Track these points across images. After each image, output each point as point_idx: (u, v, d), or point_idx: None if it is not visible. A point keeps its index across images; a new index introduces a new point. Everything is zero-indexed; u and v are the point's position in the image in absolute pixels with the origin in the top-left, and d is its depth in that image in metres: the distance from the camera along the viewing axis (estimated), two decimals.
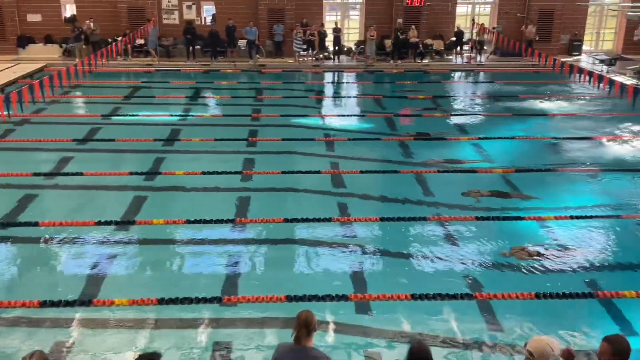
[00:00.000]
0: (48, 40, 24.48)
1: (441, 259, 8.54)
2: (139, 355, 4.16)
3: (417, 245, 8.92)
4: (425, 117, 16.68)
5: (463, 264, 8.40)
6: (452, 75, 23.61)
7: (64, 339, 6.58)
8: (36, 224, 9.27)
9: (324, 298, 7.31)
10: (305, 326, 4.51)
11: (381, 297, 7.39)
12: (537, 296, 7.44)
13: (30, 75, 20.64)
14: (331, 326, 6.86)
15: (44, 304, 7.10)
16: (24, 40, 24.29)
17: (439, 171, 12.05)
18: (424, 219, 9.76)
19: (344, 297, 7.37)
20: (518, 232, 9.47)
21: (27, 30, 24.50)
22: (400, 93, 19.89)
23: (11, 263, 8.35)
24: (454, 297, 7.43)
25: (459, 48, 24.88)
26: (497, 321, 7.03)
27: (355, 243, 8.95)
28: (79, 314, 7.04)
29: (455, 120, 16.44)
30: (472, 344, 6.63)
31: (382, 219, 9.68)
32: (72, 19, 24.03)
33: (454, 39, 24.94)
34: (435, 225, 9.61)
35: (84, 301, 7.23)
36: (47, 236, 8.96)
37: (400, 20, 24.45)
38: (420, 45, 24.28)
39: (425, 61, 24.39)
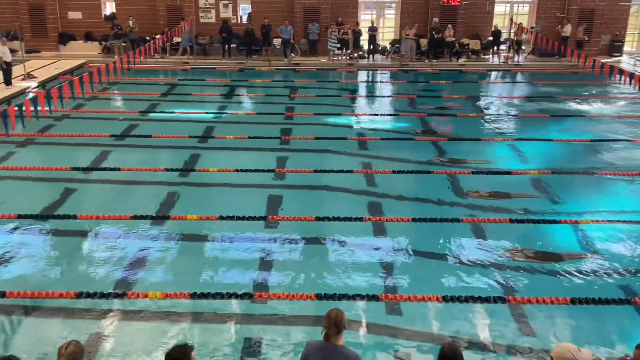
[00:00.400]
0: (88, 37, 25.04)
1: (473, 261, 8.44)
2: (172, 348, 4.22)
3: (450, 247, 8.84)
4: (460, 117, 16.50)
5: (496, 266, 8.29)
6: (489, 75, 23.28)
7: (99, 330, 6.74)
8: (74, 217, 9.51)
9: (354, 297, 7.32)
10: (335, 324, 4.52)
11: (412, 298, 7.35)
12: (573, 301, 7.29)
13: (71, 71, 21.16)
14: (361, 326, 6.86)
15: (80, 295, 7.28)
16: (65, 38, 24.91)
17: (472, 172, 11.91)
18: (457, 220, 9.66)
19: (374, 297, 7.35)
20: (552, 235, 9.30)
21: (68, 28, 25.11)
22: (435, 93, 19.71)
23: (50, 254, 8.57)
24: (486, 300, 7.35)
25: (496, 48, 24.51)
26: (529, 326, 6.92)
27: (386, 243, 8.91)
28: (114, 305, 7.20)
29: (490, 120, 16.21)
30: (504, 348, 6.54)
31: (414, 220, 9.62)
32: (111, 17, 24.54)
33: (491, 38, 24.57)
34: (468, 226, 9.50)
35: (119, 293, 7.38)
36: (85, 229, 9.18)
37: (436, 19, 24.25)
38: (457, 45, 24.02)
39: (461, 61, 24.11)
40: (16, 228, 9.19)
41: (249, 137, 13.91)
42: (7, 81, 18.23)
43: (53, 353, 5.71)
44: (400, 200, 10.59)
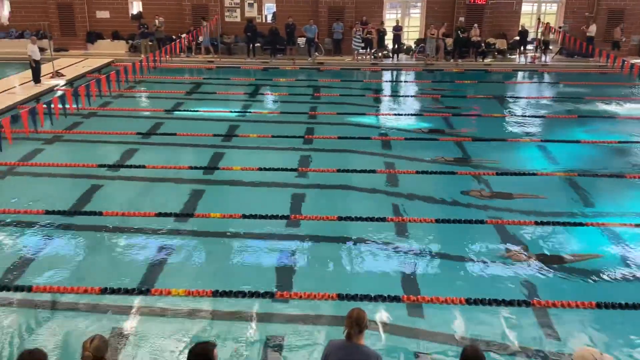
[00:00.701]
0: (115, 36, 25.39)
1: (498, 263, 8.34)
2: (195, 345, 4.25)
3: (473, 249, 8.74)
4: (485, 117, 16.33)
5: (520, 269, 8.17)
6: (515, 75, 22.99)
7: (123, 325, 6.82)
8: (100, 214, 9.65)
9: (375, 298, 7.28)
10: (357, 324, 4.51)
11: (434, 300, 7.29)
12: (598, 305, 7.16)
13: (98, 70, 21.48)
14: (382, 327, 6.82)
15: (104, 291, 7.38)
16: (92, 36, 25.29)
17: (497, 173, 11.77)
18: (481, 222, 9.55)
19: (396, 298, 7.31)
20: (578, 238, 9.14)
21: (96, 27, 25.48)
22: (460, 93, 19.53)
23: (76, 250, 8.69)
24: (510, 303, 7.25)
25: (522, 47, 24.20)
26: (554, 330, 6.81)
27: (409, 244, 8.85)
28: (137, 302, 7.28)
29: (516, 121, 16.01)
30: (527, 352, 6.45)
31: (437, 221, 9.54)
32: (138, 16, 24.85)
33: (517, 38, 24.27)
34: (493, 228, 9.39)
35: (143, 290, 7.46)
36: (110, 225, 9.31)
37: (462, 19, 24.03)
38: (482, 44, 23.78)
39: (487, 60, 23.86)
40: (44, 224, 9.34)
41: (272, 136, 13.95)
42: (36, 79, 18.56)
43: (77, 347, 5.80)
44: (423, 201, 10.51)
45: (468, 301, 7.24)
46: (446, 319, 7.01)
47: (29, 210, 9.69)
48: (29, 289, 7.39)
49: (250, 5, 25.11)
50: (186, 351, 4.74)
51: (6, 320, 6.88)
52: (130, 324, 6.88)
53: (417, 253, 8.59)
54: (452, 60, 23.81)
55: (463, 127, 15.31)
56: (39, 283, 7.53)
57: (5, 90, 17.93)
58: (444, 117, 16.18)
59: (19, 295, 7.32)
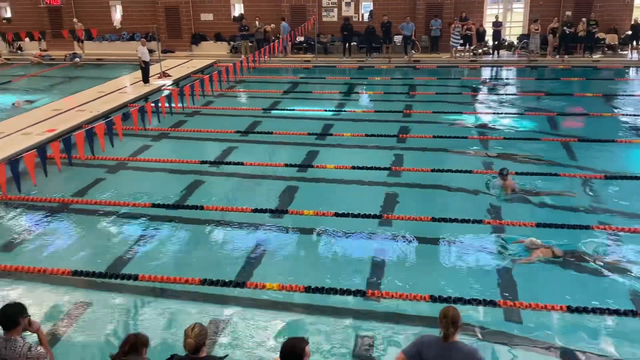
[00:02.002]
0: (218, 37, 26.43)
1: (603, 271, 7.85)
2: (288, 340, 4.30)
3: (577, 255, 8.27)
4: (593, 116, 15.40)
5: (628, 277, 7.65)
6: (627, 72, 21.49)
7: (219, 316, 7.10)
8: (201, 208, 10.09)
9: (470, 301, 7.10)
10: (452, 323, 4.42)
11: (533, 306, 6.99)
12: None
13: (202, 70, 22.46)
14: (477, 332, 6.63)
15: (204, 282, 7.72)
16: (197, 38, 26.48)
17: (606, 177, 11.07)
18: (587, 227, 9.02)
19: (491, 303, 7.08)
20: None
21: (200, 29, 26.66)
22: (566, 90, 18.54)
23: (179, 242, 9.16)
24: (615, 312, 6.81)
25: (635, 42, 22.55)
26: None
27: (507, 248, 8.53)
28: (233, 294, 7.54)
29: (627, 121, 14.97)
30: None
31: (538, 225, 9.13)
32: (239, 18, 25.71)
33: (629, 32, 22.66)
34: (599, 234, 8.84)
35: (239, 282, 7.72)
36: (210, 219, 9.71)
37: (568, 13, 22.79)
38: (591, 40, 22.42)
39: (596, 57, 22.48)
40: (150, 216, 9.92)
41: (366, 135, 13.95)
42: (145, 79, 19.71)
43: (178, 332, 6.11)
44: (524, 204, 10.09)
45: (569, 308, 6.89)
46: (545, 326, 6.70)
47: (137, 203, 10.32)
48: (136, 277, 7.88)
49: (348, 4, 25.23)
50: (278, 344, 4.86)
51: (115, 305, 7.38)
52: (226, 315, 7.14)
53: (515, 257, 8.25)
54: (557, 57, 22.66)
55: (568, 127, 14.53)
56: (145, 272, 8.00)
57: (118, 90, 19.21)
58: (548, 116, 15.44)
59: (127, 283, 7.81)
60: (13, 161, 9.65)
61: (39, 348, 4.62)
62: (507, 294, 7.37)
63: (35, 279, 7.98)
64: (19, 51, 27.59)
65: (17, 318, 4.59)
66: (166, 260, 8.51)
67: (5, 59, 26.23)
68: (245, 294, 7.53)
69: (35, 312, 7.07)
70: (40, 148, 10.51)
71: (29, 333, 4.81)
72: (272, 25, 24.50)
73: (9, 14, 28.66)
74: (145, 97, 18.11)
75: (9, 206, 10.43)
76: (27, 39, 26.74)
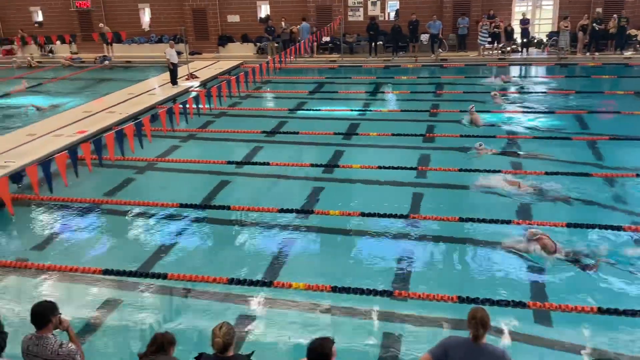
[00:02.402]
0: (244, 39, 26.62)
1: (636, 273, 7.68)
2: (314, 341, 4.30)
3: (608, 256, 8.10)
4: (625, 115, 15.07)
5: None
6: None
7: (247, 315, 7.14)
8: (228, 208, 10.18)
9: (498, 303, 7.01)
10: (482, 325, 4.37)
11: (563, 308, 6.88)
12: None
13: (228, 71, 22.64)
14: (506, 334, 6.54)
15: (231, 281, 7.78)
16: (224, 40, 26.71)
17: (638, 175, 10.82)
18: (618, 227, 8.83)
19: (520, 304, 6.99)
20: None
21: (227, 30, 26.88)
22: (596, 88, 18.19)
23: (206, 241, 9.25)
24: None
25: None
26: None
27: (537, 248, 8.39)
28: (260, 293, 7.59)
29: None
30: None
31: (568, 225, 8.97)
32: (265, 19, 25.84)
33: None
34: (631, 235, 8.65)
35: (266, 282, 7.77)
36: (237, 219, 9.78)
37: (599, 10, 22.34)
38: (622, 36, 21.94)
39: (628, 53, 21.99)
40: (178, 216, 10.04)
41: (393, 135, 13.90)
42: (173, 81, 19.95)
43: (206, 331, 6.16)
44: (553, 204, 9.92)
45: (601, 310, 6.76)
46: (576, 328, 6.59)
47: (166, 203, 10.45)
48: (165, 276, 7.98)
49: (374, 3, 25.16)
50: (304, 343, 4.85)
51: (145, 304, 7.48)
52: (253, 314, 7.18)
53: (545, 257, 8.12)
54: (587, 54, 22.23)
55: (599, 125, 14.25)
56: (174, 271, 8.10)
57: (146, 92, 19.49)
58: (578, 115, 15.16)
59: (156, 282, 7.92)
60: (45, 162, 9.86)
61: (69, 345, 4.72)
62: (536, 295, 7.25)
63: (67, 278, 8.14)
64: (50, 54, 28.22)
65: (49, 316, 4.69)
66: (194, 259, 8.60)
67: (37, 61, 26.83)
68: (272, 293, 7.57)
69: (67, 311, 7.21)
70: (72, 149, 10.72)
71: (59, 331, 4.91)
72: (298, 26, 24.57)
73: (40, 18, 29.32)
74: (173, 99, 18.33)
75: (42, 206, 10.66)
76: (58, 42, 27.32)
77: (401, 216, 9.54)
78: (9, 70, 25.63)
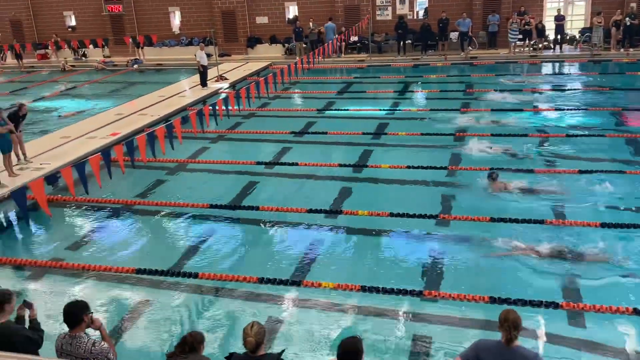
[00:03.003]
0: (273, 40, 26.75)
1: None
2: (346, 340, 4.29)
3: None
4: None
5: None
6: None
7: (276, 314, 7.17)
8: (257, 208, 10.24)
9: (531, 303, 6.90)
10: (514, 327, 4.30)
11: (598, 309, 6.73)
12: None
13: (257, 73, 22.78)
14: (539, 335, 6.44)
15: (261, 281, 7.83)
16: (252, 41, 26.89)
17: None
18: None
19: (553, 304, 6.87)
20: None
21: (256, 32, 27.06)
22: (632, 85, 17.76)
23: (236, 241, 9.32)
24: None
25: None
26: None
27: (569, 249, 8.24)
28: (290, 292, 7.62)
29: None
30: None
31: (602, 225, 8.78)
32: (294, 20, 25.93)
33: None
34: None
35: (295, 281, 7.79)
36: (266, 219, 9.84)
37: (633, 5, 21.79)
38: None
39: None
40: (208, 216, 10.15)
41: (422, 134, 13.79)
42: (203, 83, 20.17)
43: (236, 329, 6.22)
44: (587, 203, 9.72)
45: (636, 311, 6.60)
46: (612, 330, 6.44)
47: (196, 204, 10.57)
48: (196, 275, 8.08)
49: (402, 2, 25.01)
50: (333, 342, 4.86)
51: (176, 303, 7.58)
52: (283, 313, 7.21)
53: (578, 258, 7.95)
54: (621, 50, 21.71)
55: (635, 123, 13.91)
56: (204, 270, 8.18)
57: (177, 94, 19.74)
58: (613, 112, 14.83)
59: (187, 281, 8.02)
60: (79, 164, 10.07)
61: (102, 343, 4.80)
62: (570, 296, 7.12)
63: (101, 277, 8.31)
64: (83, 58, 28.83)
65: (80, 315, 4.77)
66: (224, 259, 8.68)
67: (71, 65, 27.43)
68: (301, 292, 7.59)
69: (100, 309, 7.38)
70: (105, 151, 10.92)
71: (92, 330, 5.00)
72: (324, 25, 24.56)
73: (73, 22, 29.97)
74: (203, 101, 18.52)
75: (76, 207, 10.89)
76: (91, 46, 27.88)
77: (431, 216, 9.46)
78: (44, 74, 26.27)
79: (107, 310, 7.45)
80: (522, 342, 4.46)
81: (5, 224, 10.73)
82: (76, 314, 4.77)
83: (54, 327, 4.84)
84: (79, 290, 7.97)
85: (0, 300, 4.93)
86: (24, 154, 12.77)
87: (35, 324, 5.17)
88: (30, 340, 4.95)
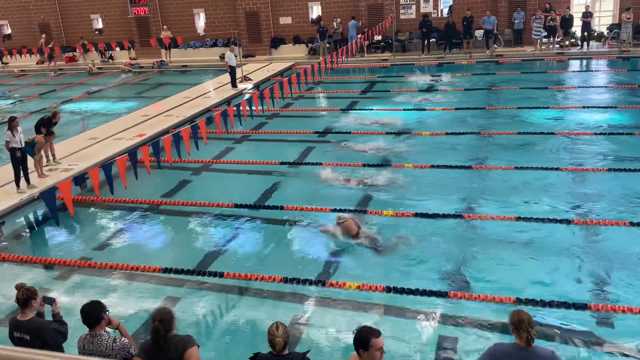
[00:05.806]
0: (296, 40, 26.81)
1: None
2: (361, 328, 4.31)
3: None
4: None
5: None
6: None
7: (300, 314, 7.19)
8: (281, 208, 10.28)
9: (557, 305, 6.80)
10: (532, 326, 4.28)
11: (627, 310, 6.61)
12: None
13: (281, 73, 22.86)
14: (568, 336, 6.34)
15: (286, 280, 7.85)
16: (276, 41, 26.99)
17: None
18: None
19: (581, 306, 6.76)
20: None
21: (279, 32, 27.15)
22: None
23: (261, 241, 9.38)
24: None
25: None
26: None
27: (597, 248, 8.11)
28: (314, 292, 7.63)
29: None
30: None
31: (632, 224, 8.62)
32: (317, 20, 25.95)
33: None
34: None
35: (319, 281, 7.80)
36: (290, 219, 9.87)
37: None
38: None
39: None
40: (233, 216, 10.21)
41: (447, 134, 13.69)
42: (233, 83, 20.30)
43: (259, 329, 6.25)
44: (615, 202, 9.54)
45: None
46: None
47: (221, 204, 10.65)
48: (221, 274, 8.14)
49: (426, 0, 24.85)
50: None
51: (201, 302, 7.65)
52: (307, 313, 7.23)
53: (606, 259, 7.82)
54: None
55: None
56: (230, 270, 8.25)
57: (202, 95, 19.92)
58: None
59: (212, 280, 8.09)
60: (106, 165, 10.22)
61: (123, 339, 4.92)
62: (598, 296, 7.00)
63: (129, 276, 8.43)
64: (110, 60, 29.27)
65: (99, 314, 4.93)
66: (248, 258, 8.73)
67: (98, 68, 27.87)
68: (325, 292, 7.59)
69: (127, 308, 7.48)
70: (131, 152, 11.06)
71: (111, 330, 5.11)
72: (348, 24, 24.54)
73: (100, 25, 30.45)
74: (227, 101, 18.65)
75: (103, 207, 11.07)
76: (117, 49, 28.29)
77: (455, 216, 9.39)
78: (71, 77, 26.74)
79: (135, 308, 7.55)
80: (551, 344, 4.40)
81: (35, 224, 10.97)
82: (94, 313, 4.93)
83: (79, 323, 5.00)
84: (108, 289, 8.08)
85: (28, 297, 5.15)
86: (53, 155, 13.06)
87: (58, 318, 5.39)
88: (58, 332, 5.19)
